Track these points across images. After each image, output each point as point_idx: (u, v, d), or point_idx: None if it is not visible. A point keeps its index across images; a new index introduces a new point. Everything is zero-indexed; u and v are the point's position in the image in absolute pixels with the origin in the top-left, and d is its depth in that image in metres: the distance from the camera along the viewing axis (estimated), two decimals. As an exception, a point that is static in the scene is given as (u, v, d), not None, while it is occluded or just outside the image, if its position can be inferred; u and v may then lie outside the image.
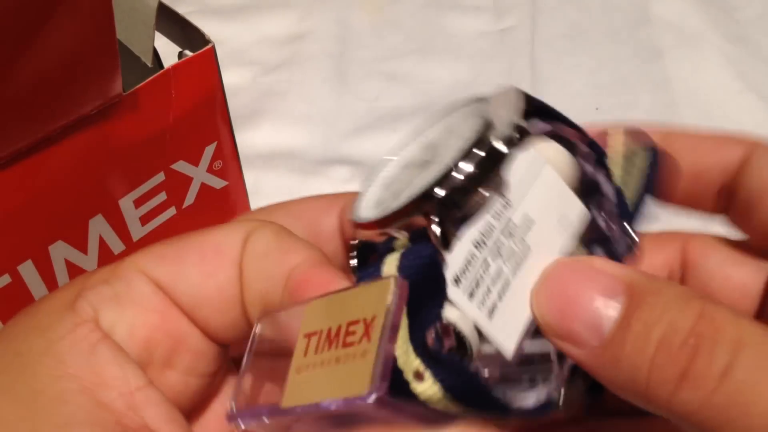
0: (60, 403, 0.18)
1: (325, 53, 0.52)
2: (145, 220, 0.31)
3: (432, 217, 0.18)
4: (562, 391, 0.19)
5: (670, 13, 0.54)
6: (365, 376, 0.15)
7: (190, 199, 0.32)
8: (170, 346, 0.20)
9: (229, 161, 0.33)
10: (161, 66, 0.28)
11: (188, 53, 0.29)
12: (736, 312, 0.17)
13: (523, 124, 0.19)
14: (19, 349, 0.19)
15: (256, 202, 0.35)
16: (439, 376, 0.17)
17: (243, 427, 0.18)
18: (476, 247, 0.18)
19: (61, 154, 0.26)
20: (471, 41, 0.53)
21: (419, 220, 0.18)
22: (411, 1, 0.56)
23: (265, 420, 0.17)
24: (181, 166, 0.31)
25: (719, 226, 0.23)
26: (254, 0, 0.55)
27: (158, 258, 0.20)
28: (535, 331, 0.19)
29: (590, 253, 0.21)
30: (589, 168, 0.21)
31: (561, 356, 0.19)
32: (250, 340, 0.19)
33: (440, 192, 0.18)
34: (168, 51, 0.30)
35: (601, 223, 0.21)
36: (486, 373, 0.19)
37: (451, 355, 0.17)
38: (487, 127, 0.19)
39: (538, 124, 0.20)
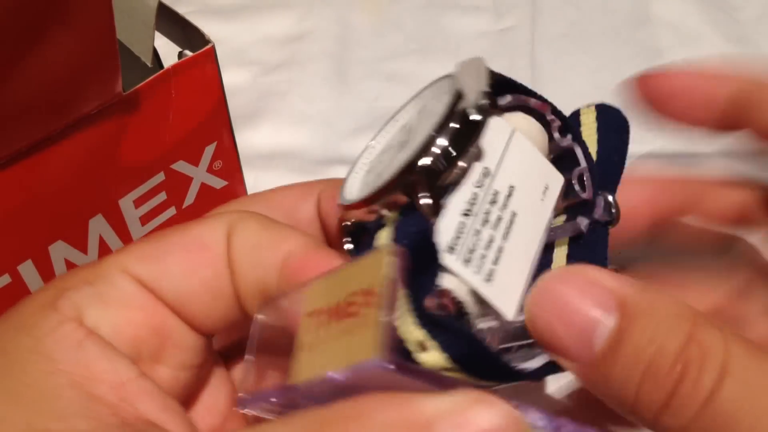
0: (52, 398, 0.18)
1: (325, 53, 0.52)
2: (145, 220, 0.31)
3: (418, 188, 0.18)
4: None
5: (670, 13, 0.54)
6: (370, 342, 0.15)
7: (190, 199, 0.32)
8: (158, 342, 0.20)
9: (229, 161, 0.33)
10: (161, 66, 0.28)
11: (188, 53, 0.29)
12: (725, 332, 0.17)
13: (491, 91, 0.20)
14: (6, 347, 0.19)
15: (256, 202, 0.35)
16: (444, 344, 0.17)
17: (253, 412, 0.18)
18: (465, 215, 0.19)
19: (61, 154, 0.26)
20: (471, 41, 0.53)
21: (406, 192, 0.18)
22: (411, 1, 0.55)
23: (274, 400, 0.17)
24: (181, 166, 0.31)
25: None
26: (254, 0, 0.55)
27: (141, 256, 0.20)
28: None
29: (573, 220, 0.21)
30: (557, 135, 0.22)
31: None
32: (252, 328, 0.19)
33: (424, 161, 0.18)
34: (168, 51, 0.30)
35: (578, 189, 0.21)
36: (490, 340, 0.19)
37: (452, 321, 0.18)
38: (458, 97, 0.19)
39: (505, 97, 0.21)
